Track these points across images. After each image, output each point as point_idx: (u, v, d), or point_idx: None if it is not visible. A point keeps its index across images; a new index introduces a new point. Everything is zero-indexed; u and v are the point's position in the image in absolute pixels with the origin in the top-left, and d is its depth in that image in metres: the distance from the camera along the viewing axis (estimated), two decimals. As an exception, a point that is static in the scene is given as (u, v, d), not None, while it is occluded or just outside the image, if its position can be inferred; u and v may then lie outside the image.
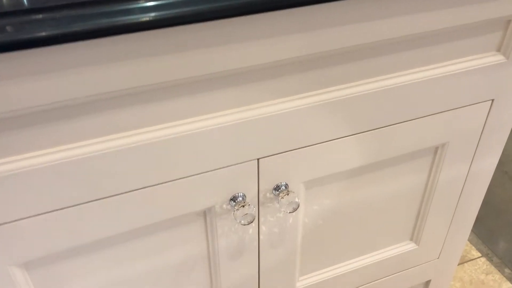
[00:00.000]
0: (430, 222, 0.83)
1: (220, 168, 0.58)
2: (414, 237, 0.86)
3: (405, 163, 0.73)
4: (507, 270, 1.08)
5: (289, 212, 0.63)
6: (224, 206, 0.63)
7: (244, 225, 0.61)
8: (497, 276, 1.07)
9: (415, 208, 0.81)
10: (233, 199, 0.62)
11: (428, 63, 0.62)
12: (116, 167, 0.52)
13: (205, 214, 0.63)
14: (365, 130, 0.64)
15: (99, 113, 0.49)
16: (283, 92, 0.56)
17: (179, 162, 0.55)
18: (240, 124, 0.56)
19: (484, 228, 1.19)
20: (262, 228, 0.68)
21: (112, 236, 0.58)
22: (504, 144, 0.76)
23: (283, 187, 0.64)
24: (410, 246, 0.86)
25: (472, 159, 0.76)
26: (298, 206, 0.63)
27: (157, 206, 0.58)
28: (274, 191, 0.64)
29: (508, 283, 1.05)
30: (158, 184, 0.56)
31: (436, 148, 0.73)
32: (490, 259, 1.11)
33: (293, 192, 0.62)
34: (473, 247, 1.14)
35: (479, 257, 1.11)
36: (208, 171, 0.58)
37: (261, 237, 0.69)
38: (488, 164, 0.79)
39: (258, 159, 0.60)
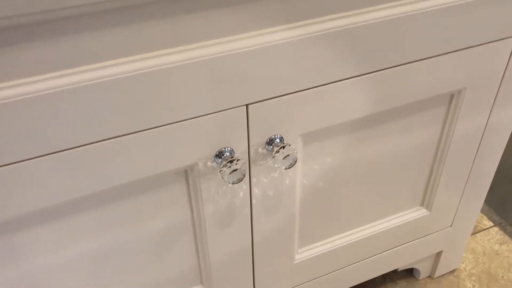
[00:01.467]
0: (443, 184, 0.74)
1: (201, 115, 0.49)
2: (425, 202, 0.77)
3: (416, 114, 0.63)
4: (522, 240, 1.00)
5: (285, 168, 0.53)
6: (209, 163, 0.53)
7: (233, 183, 0.51)
8: (512, 246, 0.99)
9: (427, 168, 0.72)
10: (219, 155, 0.53)
11: (444, -11, 0.53)
12: (74, 110, 0.43)
13: (187, 173, 0.54)
14: (372, 71, 0.55)
15: (58, 38, 0.39)
16: (273, 19, 0.47)
17: (150, 107, 0.46)
18: (222, 59, 0.46)
19: (496, 197, 1.11)
20: (255, 190, 0.58)
21: (77, 198, 0.49)
22: (527, 89, 0.67)
23: (278, 140, 0.55)
24: (421, 212, 0.77)
25: (492, 108, 0.67)
26: (296, 161, 0.53)
27: (128, 162, 0.48)
28: (267, 146, 0.55)
29: (525, 253, 0.97)
30: (127, 134, 0.46)
31: (452, 96, 0.64)
32: (503, 229, 1.03)
33: (290, 144, 0.53)
34: (484, 217, 1.06)
35: (491, 227, 1.03)
36: (187, 120, 0.48)
37: (253, 201, 0.59)
38: (509, 114, 0.70)
39: (246, 105, 0.51)
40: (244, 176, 0.52)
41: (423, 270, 0.91)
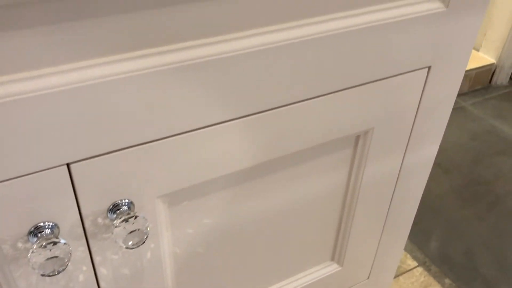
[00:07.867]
0: (355, 234, 0.62)
1: (-5, 183, 0.34)
2: (336, 256, 0.65)
3: (315, 159, 0.52)
4: (447, 281, 0.92)
5: (127, 248, 0.39)
6: (20, 244, 0.38)
7: (50, 275, 0.36)
8: (437, 288, 0.90)
9: (335, 218, 0.60)
10: (35, 232, 0.37)
11: (346, 8, 0.41)
12: None
13: (-10, 260, 0.38)
14: (251, 113, 0.42)
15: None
16: (107, 47, 0.33)
17: None
18: (22, 101, 0.31)
19: (419, 230, 1.03)
20: (101, 271, 0.44)
21: None
22: (445, 126, 0.57)
23: (125, 208, 0.40)
24: (331, 268, 0.65)
25: (406, 149, 0.57)
26: (145, 240, 0.39)
27: None
28: (109, 213, 0.40)
29: (450, 296, 0.88)
30: None
31: (357, 138, 0.53)
32: (427, 269, 0.94)
33: (136, 216, 0.38)
34: (408, 255, 0.97)
35: (415, 267, 0.94)
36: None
37: (102, 285, 0.44)
38: (426, 153, 0.60)
39: (68, 165, 0.36)
40: (67, 265, 0.37)
41: (340, 326, 0.80)
